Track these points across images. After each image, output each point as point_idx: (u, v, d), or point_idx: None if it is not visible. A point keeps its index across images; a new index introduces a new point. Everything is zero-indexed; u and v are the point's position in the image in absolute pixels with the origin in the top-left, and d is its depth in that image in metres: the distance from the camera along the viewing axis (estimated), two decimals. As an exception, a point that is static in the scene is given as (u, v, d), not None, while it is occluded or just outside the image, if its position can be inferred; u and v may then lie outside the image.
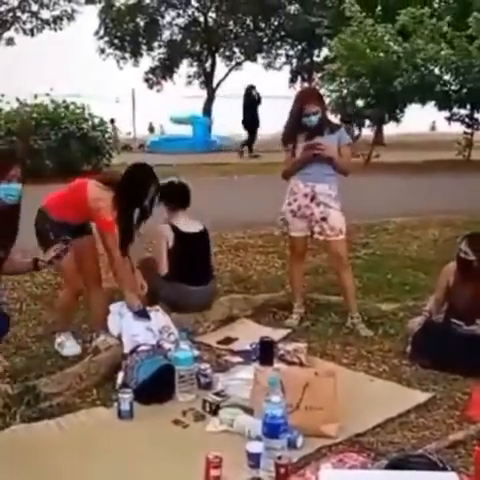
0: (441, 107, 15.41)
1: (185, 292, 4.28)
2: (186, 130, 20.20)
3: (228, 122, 22.23)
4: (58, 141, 12.19)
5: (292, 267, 4.63)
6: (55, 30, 23.27)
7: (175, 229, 4.36)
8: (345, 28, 14.66)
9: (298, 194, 4.30)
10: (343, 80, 14.63)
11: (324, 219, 4.27)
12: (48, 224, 3.87)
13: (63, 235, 3.69)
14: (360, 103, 14.76)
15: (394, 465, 2.39)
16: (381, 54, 14.06)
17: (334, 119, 14.07)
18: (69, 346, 3.96)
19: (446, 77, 14.40)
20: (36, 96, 12.95)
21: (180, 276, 4.30)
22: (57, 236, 3.73)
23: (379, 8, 15.92)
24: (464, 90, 14.29)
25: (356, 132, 15.41)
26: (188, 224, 4.43)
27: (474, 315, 3.79)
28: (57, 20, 23.16)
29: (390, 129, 19.45)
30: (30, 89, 13.45)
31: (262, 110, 17.78)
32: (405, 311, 4.57)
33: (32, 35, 23.05)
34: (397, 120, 16.01)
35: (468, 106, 15.23)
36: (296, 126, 4.26)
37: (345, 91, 14.74)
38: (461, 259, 3.81)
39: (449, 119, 16.02)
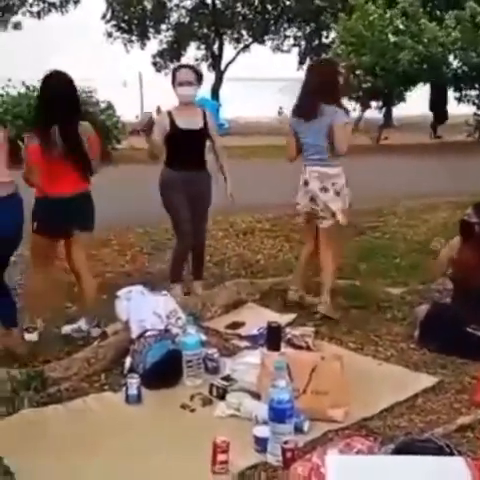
0: (449, 88, 15.31)
1: (175, 175, 4.42)
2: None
3: (236, 105, 22.12)
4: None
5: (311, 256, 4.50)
6: (62, 13, 23.16)
7: (172, 122, 4.35)
8: (348, 15, 14.61)
9: (311, 183, 4.26)
10: (350, 62, 14.54)
11: (325, 201, 4.27)
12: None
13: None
14: (367, 84, 14.66)
15: (401, 450, 2.38)
16: (389, 35, 13.97)
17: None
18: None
19: (452, 59, 14.32)
20: (44, 81, 12.89)
21: (169, 163, 4.46)
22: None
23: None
24: (473, 71, 14.18)
25: (358, 113, 15.34)
26: (188, 120, 4.38)
27: (477, 284, 3.75)
28: (63, 3, 23.04)
29: (399, 111, 19.29)
30: (37, 73, 13.40)
31: (270, 93, 17.68)
32: (413, 295, 4.56)
33: (39, 18, 22.95)
34: (404, 99, 15.92)
35: (478, 86, 15.11)
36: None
37: (351, 73, 14.67)
38: (464, 222, 3.80)
39: (458, 100, 15.89)
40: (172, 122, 4.35)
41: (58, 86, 3.73)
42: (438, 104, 16.59)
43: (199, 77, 4.45)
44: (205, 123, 4.41)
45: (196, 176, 4.44)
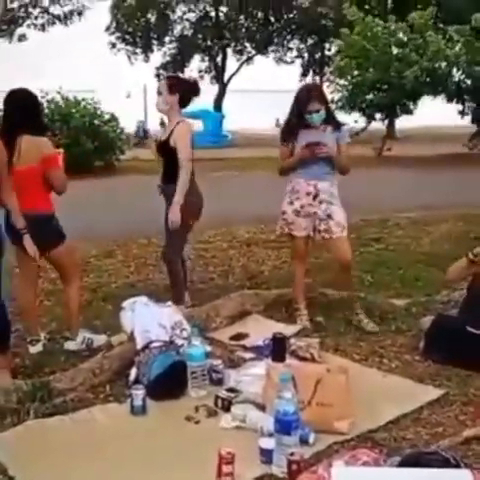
0: (453, 100, 15.37)
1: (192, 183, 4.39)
2: (197, 125, 20.22)
3: (240, 117, 22.24)
4: (70, 137, 12.24)
5: (295, 268, 4.52)
6: (66, 24, 23.34)
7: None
8: (350, 30, 14.72)
9: (300, 192, 4.24)
10: (355, 73, 14.61)
11: (329, 216, 4.22)
12: None
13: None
14: (370, 96, 14.75)
15: (407, 462, 2.38)
16: (393, 48, 14.07)
17: (345, 114, 14.09)
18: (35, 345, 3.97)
19: (456, 73, 14.41)
20: (47, 93, 12.99)
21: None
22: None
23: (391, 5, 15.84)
24: (477, 83, 14.26)
25: (363, 125, 15.39)
26: (163, 132, 4.50)
27: None
28: (68, 15, 23.24)
29: (402, 123, 19.34)
30: (41, 85, 13.49)
31: (273, 104, 17.77)
32: (417, 306, 4.56)
33: (43, 30, 23.14)
34: (409, 112, 15.96)
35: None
36: (297, 123, 4.21)
37: (355, 87, 14.74)
38: None
39: (461, 113, 15.95)
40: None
41: (10, 102, 3.76)
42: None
43: (173, 85, 4.36)
44: (169, 135, 4.34)
45: (164, 189, 4.45)
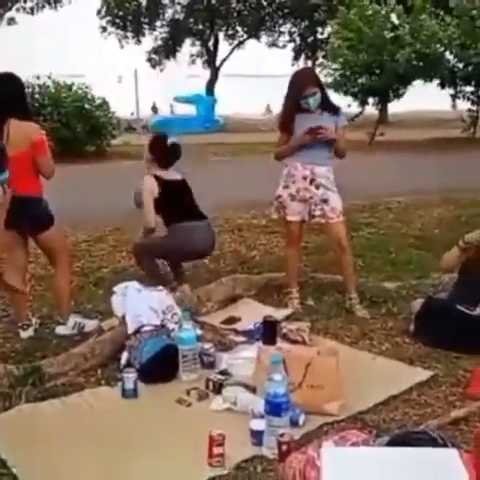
0: (445, 85, 15.34)
1: (182, 228, 4.39)
2: (190, 110, 20.13)
3: (233, 101, 22.15)
4: (60, 122, 12.15)
5: (288, 252, 4.52)
6: (55, 8, 23.10)
7: (158, 178, 4.41)
8: (346, 9, 14.62)
9: (296, 176, 4.22)
10: (347, 58, 14.54)
11: (325, 201, 4.20)
12: None
13: None
14: (363, 80, 14.69)
15: (395, 442, 2.40)
16: (385, 32, 14.00)
17: (337, 97, 14.04)
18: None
19: (449, 55, 14.36)
20: (38, 77, 12.90)
21: (171, 219, 4.42)
22: None
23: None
24: (469, 67, 14.23)
25: (356, 109, 15.35)
26: (168, 174, 4.50)
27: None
28: (57, -1, 23.01)
29: (394, 107, 19.31)
30: (32, 69, 13.39)
31: (265, 89, 17.70)
32: (408, 289, 4.58)
33: (32, 14, 22.91)
34: (399, 96, 15.93)
35: (473, 83, 15.16)
36: (294, 108, 4.19)
37: (348, 69, 14.67)
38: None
39: (454, 96, 15.94)
40: None
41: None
42: None
43: (152, 145, 4.50)
44: None
45: None
